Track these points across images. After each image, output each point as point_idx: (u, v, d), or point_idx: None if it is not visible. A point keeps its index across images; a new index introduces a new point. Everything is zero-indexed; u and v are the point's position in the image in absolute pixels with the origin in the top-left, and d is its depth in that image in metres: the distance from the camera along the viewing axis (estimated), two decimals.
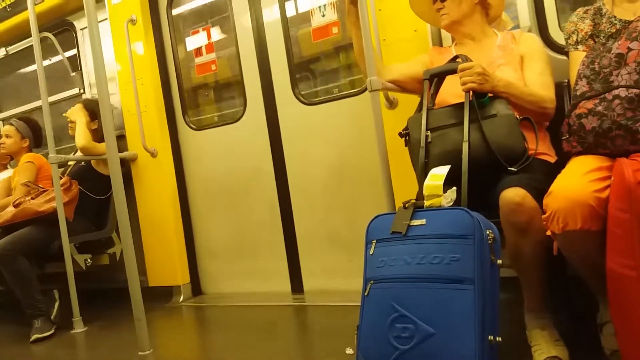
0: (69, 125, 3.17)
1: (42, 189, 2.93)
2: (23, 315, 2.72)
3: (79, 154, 3.09)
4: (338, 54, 2.88)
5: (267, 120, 2.94)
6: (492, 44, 1.88)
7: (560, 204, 1.26)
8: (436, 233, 1.35)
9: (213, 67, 3.14)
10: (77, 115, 3.07)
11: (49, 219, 2.76)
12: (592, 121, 1.36)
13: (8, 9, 3.60)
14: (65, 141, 3.70)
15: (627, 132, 1.31)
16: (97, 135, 3.07)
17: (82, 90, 3.57)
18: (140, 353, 1.93)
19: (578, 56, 1.61)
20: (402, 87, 1.98)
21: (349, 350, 1.78)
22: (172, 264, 3.14)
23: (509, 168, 1.53)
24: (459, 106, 1.63)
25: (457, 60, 1.69)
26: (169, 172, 3.15)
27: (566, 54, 1.74)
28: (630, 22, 1.45)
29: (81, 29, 3.50)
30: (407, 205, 1.45)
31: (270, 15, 2.88)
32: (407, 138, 1.75)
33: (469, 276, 1.27)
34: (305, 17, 2.80)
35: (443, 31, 2.19)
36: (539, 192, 1.37)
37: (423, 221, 1.39)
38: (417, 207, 1.43)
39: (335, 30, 2.69)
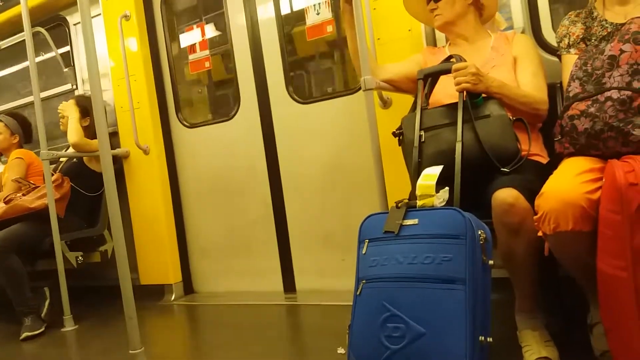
0: (60, 121, 3.15)
1: (34, 186, 2.90)
2: (13, 313, 2.70)
3: (70, 150, 3.07)
4: (332, 52, 2.88)
5: (260, 119, 2.93)
6: (485, 45, 1.89)
7: (551, 205, 1.26)
8: (428, 233, 1.35)
9: (207, 64, 3.13)
10: (69, 110, 3.05)
11: (40, 216, 2.74)
12: (584, 122, 1.37)
13: (0, 3, 3.57)
14: (61, 140, 3.67)
15: (618, 133, 1.31)
16: (89, 131, 3.05)
17: (74, 86, 3.55)
18: (131, 351, 1.92)
19: (570, 59, 1.61)
20: (396, 86, 1.98)
21: (341, 350, 1.78)
22: (164, 262, 3.12)
23: (502, 168, 1.53)
24: (453, 106, 1.64)
25: (451, 60, 1.70)
26: (161, 169, 3.14)
27: (559, 56, 1.74)
28: (621, 25, 1.46)
29: (74, 24, 3.48)
30: (399, 204, 1.45)
31: (265, 13, 2.87)
32: (400, 137, 1.76)
33: (461, 276, 1.27)
34: (299, 15, 2.79)
35: (437, 31, 2.19)
36: (531, 192, 1.38)
37: (415, 221, 1.39)
38: (409, 206, 1.43)
39: (330, 28, 2.68)
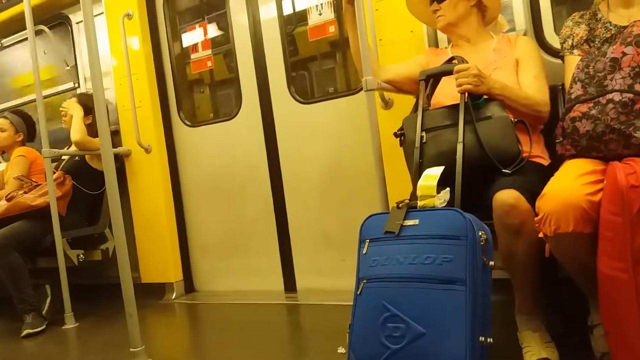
0: (63, 119, 3.15)
1: (36, 183, 2.91)
2: (14, 310, 2.70)
3: (72, 148, 3.07)
4: (334, 52, 2.89)
5: (262, 118, 2.93)
6: (488, 47, 1.89)
7: (552, 207, 1.26)
8: (429, 233, 1.35)
9: (209, 63, 3.13)
10: (73, 109, 3.06)
11: (41, 214, 2.74)
12: (585, 125, 1.37)
13: (3, 1, 3.58)
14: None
15: (620, 136, 1.32)
16: (91, 130, 3.06)
17: (76, 85, 3.55)
18: (131, 349, 1.93)
19: (573, 60, 1.61)
20: (397, 87, 1.98)
21: (341, 350, 1.78)
22: (165, 261, 3.13)
23: (503, 170, 1.53)
24: (454, 107, 1.64)
25: (454, 61, 1.70)
26: (163, 168, 3.14)
27: (561, 58, 1.75)
28: (625, 27, 1.46)
29: (77, 23, 3.48)
30: (400, 205, 1.45)
31: (267, 12, 2.87)
32: (402, 138, 1.76)
33: (461, 277, 1.27)
34: (302, 15, 2.79)
35: (439, 32, 2.20)
36: (532, 194, 1.38)
37: (416, 221, 1.39)
38: (410, 207, 1.43)
39: (332, 29, 2.69)
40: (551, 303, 1.75)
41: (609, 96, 1.34)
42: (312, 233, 2.82)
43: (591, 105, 1.37)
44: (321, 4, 2.70)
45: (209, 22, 3.14)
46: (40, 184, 2.88)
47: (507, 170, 1.53)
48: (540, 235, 1.34)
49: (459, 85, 1.60)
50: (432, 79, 1.75)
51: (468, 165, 1.53)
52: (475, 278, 1.28)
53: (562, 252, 1.35)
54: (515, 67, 1.80)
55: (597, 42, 1.63)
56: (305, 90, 3.01)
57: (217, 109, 3.42)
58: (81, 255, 2.93)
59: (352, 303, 1.46)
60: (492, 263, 1.35)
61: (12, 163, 3.15)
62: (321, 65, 2.99)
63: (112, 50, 3.17)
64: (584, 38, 1.66)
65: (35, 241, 2.80)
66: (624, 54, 1.36)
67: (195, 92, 3.45)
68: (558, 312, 1.76)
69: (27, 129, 3.34)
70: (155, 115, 3.13)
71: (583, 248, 1.28)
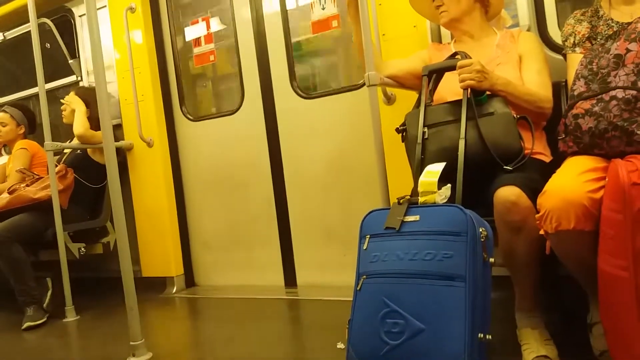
0: (63, 113, 3.16)
1: (38, 176, 2.92)
2: (15, 303, 2.71)
3: (75, 141, 3.08)
4: (337, 47, 2.87)
5: (264, 113, 2.93)
6: (491, 42, 1.88)
7: (554, 204, 1.26)
8: (429, 229, 1.35)
9: (212, 57, 3.13)
10: (76, 103, 3.07)
11: (43, 207, 2.75)
12: (588, 121, 1.36)
13: None
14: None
15: (623, 133, 1.31)
16: (90, 122, 3.06)
17: (79, 78, 3.55)
18: (132, 343, 1.94)
19: (575, 58, 1.61)
20: (400, 82, 1.98)
21: (340, 345, 1.78)
22: (166, 255, 3.13)
23: (505, 166, 1.53)
24: (457, 103, 1.63)
25: (457, 57, 1.69)
26: (164, 162, 3.14)
27: (564, 55, 1.74)
28: (628, 24, 1.45)
29: (80, 16, 3.47)
30: (401, 201, 1.45)
31: (270, 7, 2.86)
32: (404, 134, 1.75)
33: (461, 273, 1.27)
34: (305, 10, 2.79)
35: (442, 28, 2.18)
36: (534, 191, 1.38)
37: (417, 217, 1.39)
38: (411, 203, 1.43)
39: (335, 23, 2.68)
40: (551, 300, 1.75)
41: (612, 93, 1.33)
42: (313, 228, 2.82)
43: (594, 102, 1.36)
44: None
45: (212, 16, 3.14)
46: (42, 177, 2.89)
47: (508, 167, 1.52)
48: (541, 232, 1.33)
49: (461, 81, 1.59)
50: (435, 74, 1.75)
51: (470, 161, 1.53)
52: (476, 275, 1.28)
53: (562, 249, 1.34)
54: (518, 63, 1.79)
55: (599, 39, 1.62)
56: (308, 85, 3.01)
57: (220, 103, 3.42)
58: (82, 249, 2.94)
59: (352, 298, 1.46)
60: (492, 260, 1.34)
61: (14, 156, 3.15)
62: (324, 60, 2.98)
63: (114, 43, 3.17)
64: (586, 36, 1.65)
65: (37, 234, 2.81)
66: (628, 50, 1.35)
67: (198, 86, 3.45)
68: (558, 309, 1.76)
69: (27, 121, 3.35)
70: (157, 109, 3.13)
71: (584, 245, 1.27)
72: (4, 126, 3.26)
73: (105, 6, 3.16)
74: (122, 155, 3.16)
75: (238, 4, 2.97)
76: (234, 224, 3.09)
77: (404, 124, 1.75)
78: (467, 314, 1.25)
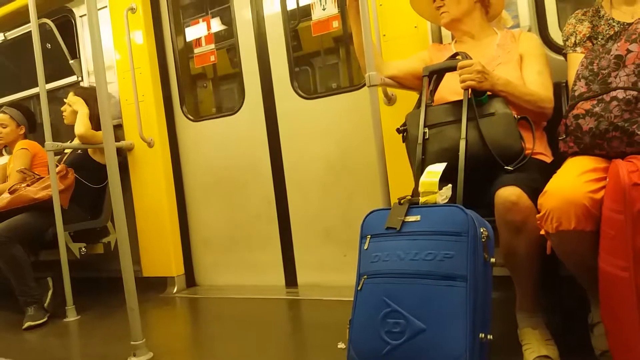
0: (63, 114, 3.16)
1: (38, 176, 2.92)
2: (16, 303, 2.72)
3: (75, 141, 3.08)
4: (338, 48, 2.88)
5: (265, 113, 2.93)
6: (491, 42, 1.88)
7: (554, 204, 1.26)
8: (430, 230, 1.35)
9: (212, 58, 3.13)
10: (79, 105, 3.07)
11: (44, 207, 2.75)
12: (589, 122, 1.36)
13: None
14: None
15: (623, 133, 1.31)
16: (91, 122, 3.06)
17: (80, 78, 3.55)
18: (132, 342, 1.94)
19: (576, 58, 1.61)
20: (400, 83, 1.98)
21: (341, 345, 1.78)
22: (167, 255, 3.13)
23: (505, 167, 1.53)
24: (458, 104, 1.63)
25: (457, 57, 1.69)
26: (165, 162, 3.14)
27: (564, 55, 1.74)
28: (629, 24, 1.45)
29: (80, 16, 3.47)
30: (402, 201, 1.45)
31: (271, 7, 2.87)
32: (404, 134, 1.76)
33: (462, 273, 1.27)
34: (305, 10, 2.79)
35: (443, 28, 2.18)
36: (535, 191, 1.38)
37: (417, 217, 1.39)
38: (412, 203, 1.43)
39: (335, 24, 2.68)
40: (552, 301, 1.75)
41: (613, 93, 1.33)
42: (313, 228, 2.82)
43: (595, 102, 1.36)
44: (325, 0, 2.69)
45: (213, 17, 3.14)
46: (43, 177, 2.89)
47: (509, 167, 1.53)
48: (542, 232, 1.33)
49: (462, 81, 1.59)
50: (436, 75, 1.75)
51: (470, 161, 1.53)
52: (476, 275, 1.29)
53: (563, 249, 1.35)
54: (519, 63, 1.79)
55: (600, 39, 1.62)
56: (309, 85, 3.01)
57: (220, 103, 3.43)
58: (83, 249, 2.94)
59: (352, 298, 1.46)
60: (493, 260, 1.35)
61: (15, 156, 3.16)
62: (325, 60, 2.98)
63: (115, 44, 3.17)
64: (587, 35, 1.66)
65: (38, 234, 2.81)
66: (629, 51, 1.35)
67: (198, 87, 3.46)
68: (558, 309, 1.76)
69: (27, 121, 3.35)
70: (158, 109, 3.13)
71: (584, 246, 1.28)
72: (4, 127, 3.27)
73: (106, 7, 3.16)
74: (122, 155, 3.17)
75: (239, 5, 2.97)
76: (234, 224, 3.09)
77: (404, 125, 1.75)
78: (468, 313, 1.25)
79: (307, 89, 2.89)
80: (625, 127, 1.30)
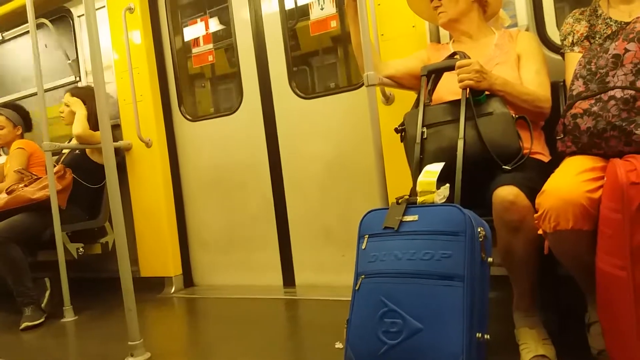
0: (61, 115, 3.16)
1: (36, 177, 2.91)
2: (14, 303, 2.71)
3: (73, 142, 3.07)
4: (336, 47, 2.88)
5: (263, 113, 2.93)
6: (489, 42, 1.88)
7: (552, 203, 1.26)
8: (428, 229, 1.35)
9: (210, 58, 3.13)
10: (77, 106, 3.06)
11: (42, 207, 2.75)
12: (587, 121, 1.36)
13: None
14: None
15: (621, 133, 1.31)
16: (88, 121, 3.05)
17: (78, 78, 3.55)
18: (130, 343, 1.94)
19: (574, 57, 1.61)
20: (398, 83, 1.98)
21: (339, 345, 1.78)
22: (165, 255, 3.13)
23: (503, 166, 1.53)
24: (456, 103, 1.63)
25: (455, 57, 1.69)
26: (163, 162, 3.14)
27: (562, 55, 1.74)
28: (626, 24, 1.45)
29: (78, 16, 3.47)
30: (400, 201, 1.45)
31: (269, 7, 2.86)
32: (402, 134, 1.76)
33: (459, 273, 1.27)
34: (304, 10, 2.79)
35: (441, 28, 2.18)
36: (532, 191, 1.38)
37: (415, 217, 1.39)
38: (410, 203, 1.43)
39: (333, 24, 2.68)
40: (549, 300, 1.75)
41: (611, 93, 1.33)
42: (311, 228, 2.82)
43: (592, 101, 1.36)
44: None
45: (211, 17, 3.14)
46: (41, 177, 2.88)
47: (507, 167, 1.53)
48: (540, 232, 1.33)
49: (460, 81, 1.59)
50: (434, 74, 1.75)
51: (468, 161, 1.53)
52: (474, 274, 1.28)
53: (561, 249, 1.35)
54: (516, 63, 1.79)
55: (597, 38, 1.62)
56: (307, 85, 3.01)
57: (218, 103, 3.42)
58: (81, 249, 2.94)
59: (350, 298, 1.46)
60: (490, 259, 1.34)
61: (11, 156, 3.15)
62: (323, 60, 2.98)
63: (113, 44, 3.17)
64: (585, 35, 1.66)
65: (35, 234, 2.80)
66: (627, 50, 1.35)
67: (197, 87, 3.45)
68: (556, 309, 1.76)
69: (23, 120, 3.35)
70: (156, 109, 3.13)
71: (582, 245, 1.28)
72: (1, 129, 3.26)
73: (104, 6, 3.15)
74: (120, 155, 3.16)
75: (237, 4, 2.97)
76: (232, 224, 3.08)
77: (402, 124, 1.75)
78: (465, 313, 1.25)
79: (305, 88, 2.89)
80: (623, 126, 1.30)
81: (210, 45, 3.11)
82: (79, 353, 2.34)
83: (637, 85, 1.31)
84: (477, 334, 1.26)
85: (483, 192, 1.51)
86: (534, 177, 1.48)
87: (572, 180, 1.29)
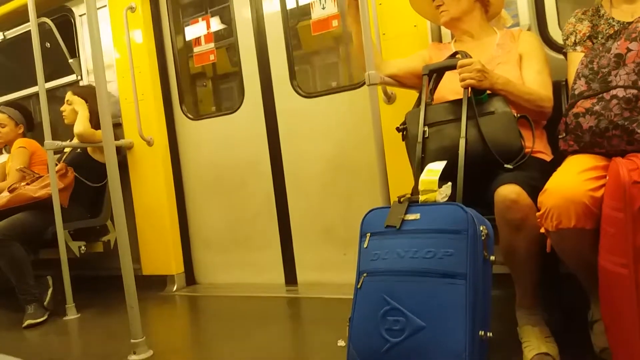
0: (63, 114, 3.16)
1: (38, 175, 2.92)
2: (16, 301, 2.72)
3: (75, 140, 3.08)
4: (337, 46, 2.88)
5: (264, 112, 2.93)
6: (491, 42, 1.89)
7: (554, 202, 1.26)
8: (430, 228, 1.35)
9: (212, 57, 3.13)
10: (80, 105, 3.07)
11: (44, 205, 2.75)
12: (589, 120, 1.37)
13: None
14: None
15: (623, 132, 1.31)
16: (90, 119, 3.06)
17: (79, 77, 3.55)
18: (132, 341, 1.94)
19: (576, 57, 1.61)
20: (400, 82, 1.98)
21: (341, 343, 1.79)
22: (167, 253, 3.14)
23: (505, 165, 1.53)
24: (457, 102, 1.64)
25: (457, 56, 1.69)
26: (165, 161, 3.15)
27: (564, 54, 1.74)
28: (629, 23, 1.46)
29: (80, 15, 3.47)
30: (402, 199, 1.45)
31: (270, 6, 2.87)
32: (404, 133, 1.76)
33: (462, 271, 1.28)
34: (305, 9, 2.79)
35: (443, 27, 2.19)
36: (534, 189, 1.38)
37: (417, 216, 1.39)
38: (411, 201, 1.44)
39: (335, 23, 2.68)
40: (551, 298, 1.75)
41: (613, 92, 1.33)
42: (313, 226, 2.83)
43: (595, 101, 1.36)
44: None
45: (212, 16, 3.14)
46: (43, 176, 2.89)
47: (509, 166, 1.53)
48: (542, 230, 1.34)
49: (462, 80, 1.59)
50: (435, 73, 1.75)
51: (470, 160, 1.53)
52: (476, 272, 1.29)
53: (563, 247, 1.35)
54: (518, 62, 1.79)
55: (600, 38, 1.62)
56: (308, 84, 3.01)
57: (220, 102, 3.42)
58: (83, 247, 2.94)
59: (352, 296, 1.46)
60: (492, 258, 1.35)
61: (13, 155, 3.16)
62: (324, 59, 2.98)
63: (115, 43, 3.17)
64: (587, 35, 1.66)
65: (38, 233, 2.81)
66: (629, 49, 1.36)
67: (198, 86, 3.45)
68: (558, 307, 1.77)
69: (25, 119, 3.35)
70: (157, 108, 3.13)
71: (584, 244, 1.28)
72: (3, 127, 3.26)
73: (105, 6, 3.16)
74: (122, 154, 3.17)
75: (238, 4, 2.97)
76: (234, 222, 3.09)
77: (404, 123, 1.76)
78: (467, 311, 1.25)
79: (306, 87, 2.89)
80: (625, 125, 1.31)
81: (212, 45, 3.11)
82: (81, 351, 2.35)
83: (639, 84, 1.31)
84: (480, 332, 1.27)
85: (485, 191, 1.52)
86: (536, 176, 1.48)
87: (574, 178, 1.29)
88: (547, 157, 1.71)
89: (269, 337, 2.12)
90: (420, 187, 1.44)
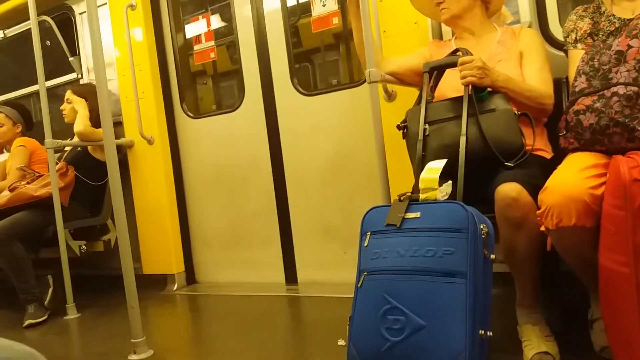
0: (63, 112, 3.16)
1: (38, 174, 2.92)
2: (17, 300, 2.72)
3: (75, 139, 3.08)
4: (338, 44, 2.87)
5: (265, 110, 2.93)
6: (492, 39, 1.88)
7: (555, 200, 1.26)
8: (430, 226, 1.35)
9: (212, 55, 3.12)
10: (79, 104, 3.06)
11: (44, 204, 2.75)
12: (589, 118, 1.36)
13: None
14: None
15: (624, 129, 1.31)
16: (90, 117, 3.06)
17: (79, 75, 3.55)
18: (133, 340, 1.94)
19: (577, 54, 1.60)
20: (401, 79, 1.98)
21: (341, 342, 1.78)
22: (167, 252, 3.14)
23: (506, 163, 1.53)
24: (458, 100, 1.63)
25: (458, 53, 1.69)
26: (165, 159, 3.14)
27: (565, 52, 1.73)
28: (629, 20, 1.45)
29: (80, 13, 3.47)
30: (402, 198, 1.45)
31: (271, 4, 2.86)
32: (405, 130, 1.75)
33: (462, 270, 1.27)
34: (305, 7, 2.78)
35: (443, 25, 2.18)
36: (535, 187, 1.38)
37: (418, 214, 1.39)
38: (412, 200, 1.43)
39: (335, 20, 2.67)
40: (552, 297, 1.74)
41: (614, 89, 1.33)
42: (313, 225, 2.82)
43: (595, 98, 1.36)
44: None
45: (212, 14, 3.14)
46: (43, 175, 2.89)
47: (509, 164, 1.52)
48: (542, 228, 1.33)
49: (462, 78, 1.59)
50: (436, 71, 1.74)
51: (471, 158, 1.53)
52: (476, 271, 1.29)
53: (563, 245, 1.35)
54: (519, 60, 1.78)
55: (601, 35, 1.61)
56: (309, 82, 3.00)
57: (220, 100, 3.42)
58: (83, 246, 2.94)
59: (352, 295, 1.46)
60: (493, 256, 1.35)
61: (12, 154, 3.16)
62: (325, 57, 2.98)
63: (115, 41, 3.17)
64: (588, 32, 1.65)
65: (38, 232, 2.81)
66: (630, 46, 1.35)
67: (198, 84, 3.45)
68: (558, 306, 1.76)
69: (23, 119, 3.34)
70: (158, 106, 3.13)
71: (585, 242, 1.28)
72: (0, 127, 3.26)
73: (105, 3, 3.15)
74: (122, 152, 3.16)
75: (238, 1, 2.96)
76: (234, 221, 3.09)
77: (404, 121, 1.75)
78: (467, 310, 1.25)
79: (307, 85, 2.88)
80: (625, 122, 1.30)
81: (212, 42, 3.10)
82: (81, 350, 2.35)
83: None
84: (480, 331, 1.27)
85: (485, 189, 1.51)
86: (536, 173, 1.48)
87: (574, 176, 1.28)
88: (548, 154, 1.71)
89: (269, 336, 2.11)
90: (421, 186, 1.44)
